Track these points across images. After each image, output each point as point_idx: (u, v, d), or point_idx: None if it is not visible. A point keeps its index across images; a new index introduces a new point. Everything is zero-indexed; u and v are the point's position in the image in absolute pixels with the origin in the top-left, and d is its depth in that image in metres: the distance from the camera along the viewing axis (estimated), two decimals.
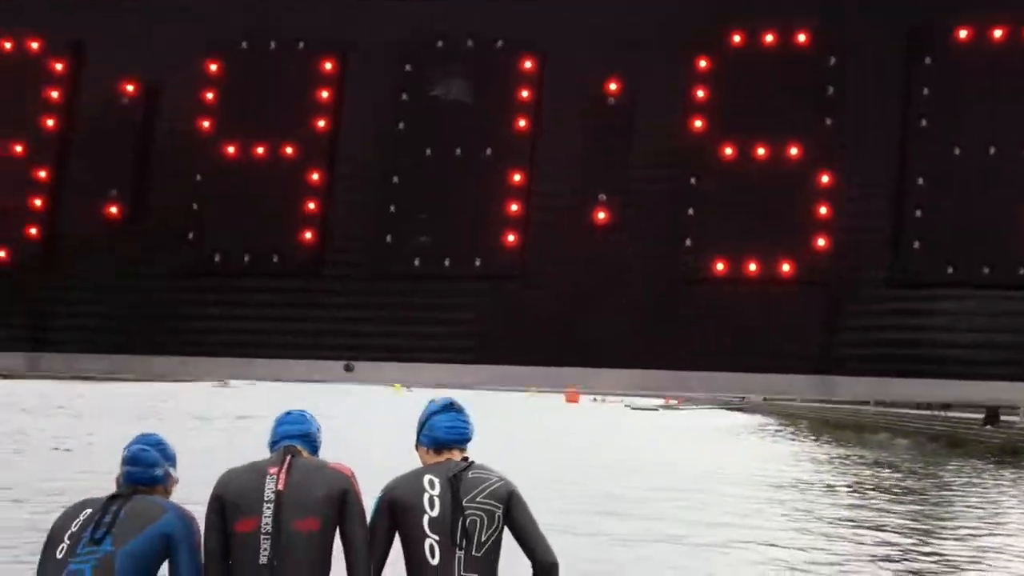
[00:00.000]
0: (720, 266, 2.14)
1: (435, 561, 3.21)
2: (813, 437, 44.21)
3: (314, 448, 3.55)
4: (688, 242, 2.16)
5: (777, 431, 50.72)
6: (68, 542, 3.03)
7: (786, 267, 2.11)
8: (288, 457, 3.34)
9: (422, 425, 3.58)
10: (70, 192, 2.42)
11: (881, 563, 11.95)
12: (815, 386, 2.15)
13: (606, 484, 19.36)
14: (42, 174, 2.41)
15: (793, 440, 41.05)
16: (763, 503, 17.90)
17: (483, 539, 3.26)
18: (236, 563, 3.24)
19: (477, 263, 2.25)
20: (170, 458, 3.47)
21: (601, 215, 2.19)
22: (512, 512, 3.34)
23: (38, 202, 2.40)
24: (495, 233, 2.23)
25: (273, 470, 3.29)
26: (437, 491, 3.31)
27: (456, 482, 3.32)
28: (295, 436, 3.46)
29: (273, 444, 3.51)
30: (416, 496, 3.32)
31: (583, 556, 12.11)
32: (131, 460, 3.32)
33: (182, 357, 2.39)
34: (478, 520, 3.27)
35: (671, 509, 16.07)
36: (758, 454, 32.64)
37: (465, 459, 3.49)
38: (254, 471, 3.36)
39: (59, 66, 2.43)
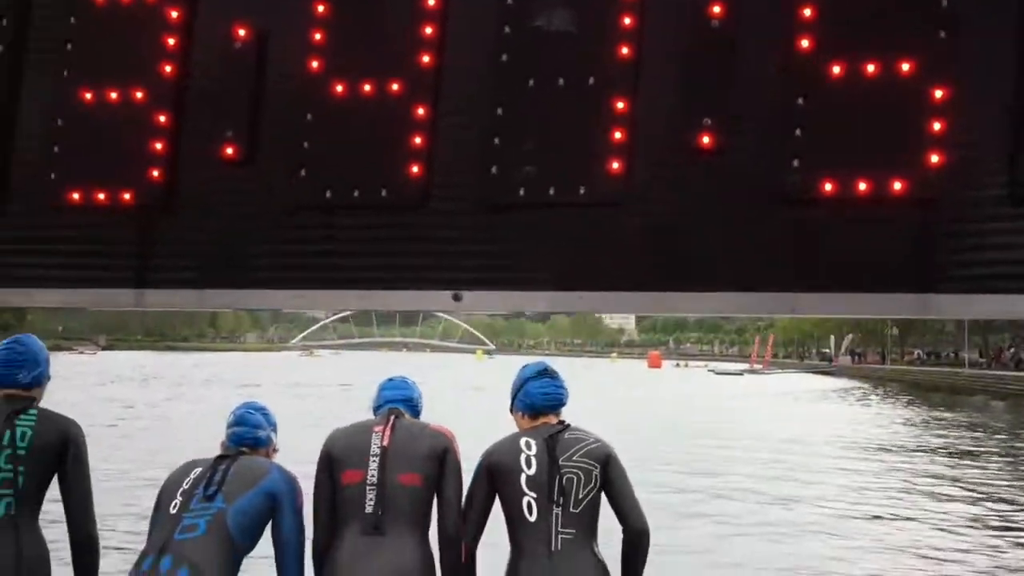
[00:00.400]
0: (828, 186, 2.11)
1: (533, 518, 3.25)
2: (905, 400, 43.10)
3: (416, 412, 3.68)
4: (795, 163, 2.13)
5: (867, 394, 49.48)
6: (181, 498, 3.16)
7: (898, 185, 2.07)
8: (392, 418, 3.46)
9: (516, 391, 3.64)
10: (188, 135, 2.52)
11: (987, 529, 11.63)
12: (927, 305, 2.11)
13: (692, 445, 19.31)
14: (162, 119, 2.52)
15: (885, 403, 40.01)
16: (855, 464, 17.60)
17: (580, 496, 3.27)
18: (343, 514, 3.36)
19: (581, 191, 2.27)
20: (272, 424, 3.61)
21: (706, 139, 2.19)
22: (609, 474, 3.35)
23: (159, 146, 2.51)
24: (599, 161, 2.24)
25: (378, 428, 3.41)
26: (534, 451, 3.35)
27: (552, 442, 3.36)
28: (398, 400, 3.57)
29: (377, 408, 3.64)
30: (513, 457, 3.37)
31: (676, 511, 12.14)
32: (238, 421, 3.47)
33: (298, 290, 2.48)
34: (575, 478, 3.29)
35: (756, 470, 15.94)
36: (849, 417, 32.02)
37: (561, 423, 3.52)
38: (360, 429, 3.49)
39: (175, 14, 2.53)
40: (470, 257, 2.37)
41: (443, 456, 3.40)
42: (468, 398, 38.49)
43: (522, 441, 3.41)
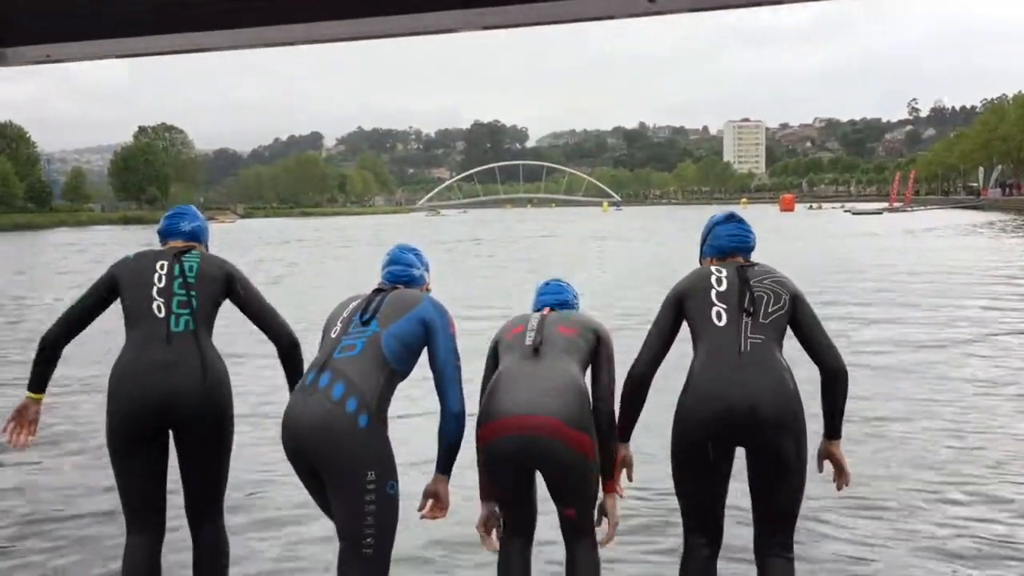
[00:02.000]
0: None
1: (722, 324, 3.23)
2: None
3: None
4: None
5: (1013, 227, 46.65)
6: (340, 325, 3.35)
7: None
8: (546, 311, 3.66)
9: (705, 237, 3.64)
10: None
11: None
12: None
13: (827, 279, 18.73)
14: None
15: None
16: (996, 289, 16.71)
17: (770, 310, 3.23)
18: (505, 360, 3.48)
19: None
20: (425, 264, 3.75)
21: None
22: (799, 311, 3.28)
23: None
24: None
25: (536, 316, 3.62)
26: (725, 274, 3.36)
27: (743, 270, 3.36)
28: (554, 305, 3.70)
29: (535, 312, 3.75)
30: (704, 281, 3.38)
31: None
32: (392, 261, 3.63)
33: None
34: (764, 296, 3.26)
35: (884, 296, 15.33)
36: (989, 248, 30.32)
37: (749, 262, 3.51)
38: (520, 318, 3.67)
39: None
40: None
41: (598, 336, 3.51)
42: (593, 248, 38.51)
43: (713, 268, 3.42)
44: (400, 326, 3.30)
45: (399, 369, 3.29)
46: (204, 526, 3.57)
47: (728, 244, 3.53)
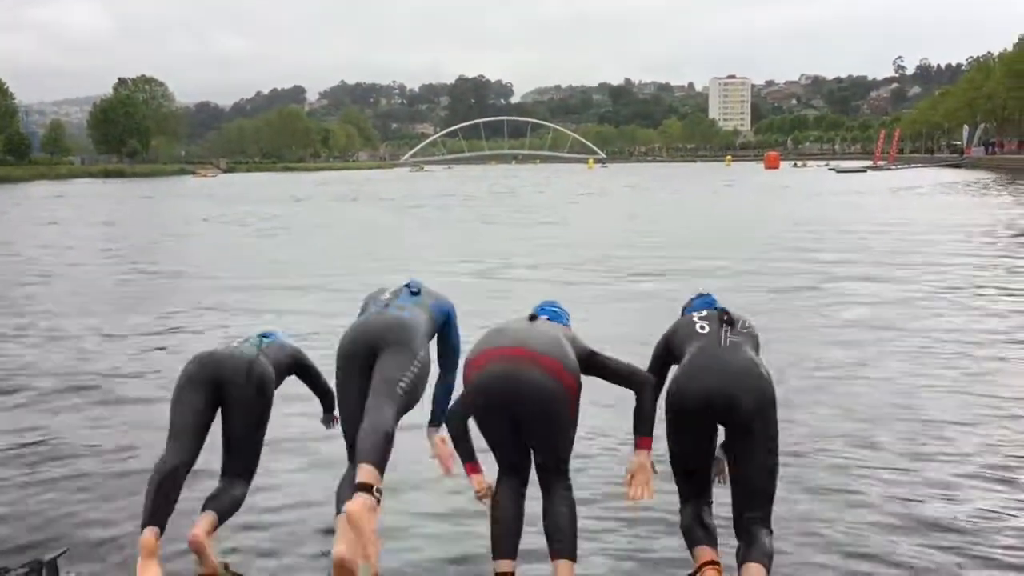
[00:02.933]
0: None
1: (705, 331, 3.64)
2: None
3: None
4: None
5: (1000, 185, 46.89)
6: (388, 296, 4.08)
7: None
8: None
9: (684, 309, 4.14)
10: None
11: None
12: None
13: (800, 234, 18.87)
14: None
15: (1015, 194, 37.87)
16: (971, 245, 16.87)
17: (745, 327, 3.71)
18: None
19: None
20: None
21: None
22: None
23: None
24: None
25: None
26: (705, 314, 3.81)
27: (723, 311, 3.78)
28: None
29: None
30: (689, 321, 3.82)
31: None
32: (407, 284, 4.19)
33: None
34: (741, 319, 3.75)
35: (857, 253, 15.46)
36: (964, 206, 30.52)
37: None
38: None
39: None
40: None
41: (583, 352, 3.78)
42: (582, 203, 38.48)
43: (695, 316, 3.83)
44: (434, 305, 4.10)
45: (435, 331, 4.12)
46: None
47: (704, 305, 3.99)
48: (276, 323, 9.52)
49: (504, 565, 3.45)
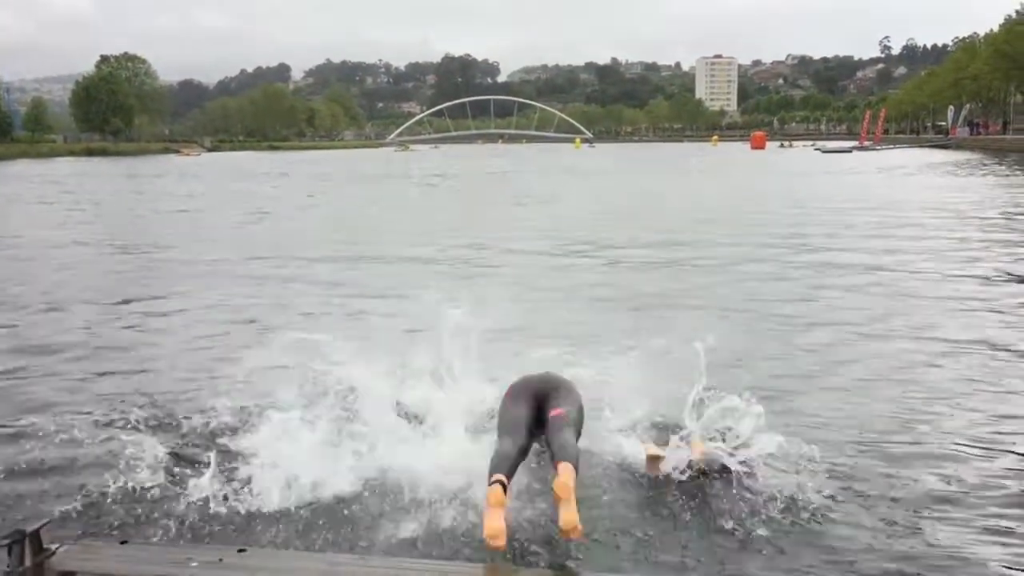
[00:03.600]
0: None
1: None
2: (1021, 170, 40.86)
3: None
4: None
5: (985, 165, 47.10)
6: None
7: None
8: None
9: None
10: None
11: None
12: None
13: (793, 218, 18.94)
14: None
15: (997, 175, 38.02)
16: (955, 227, 16.96)
17: None
18: None
19: None
20: None
21: None
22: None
23: None
24: None
25: None
26: None
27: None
28: None
29: None
30: None
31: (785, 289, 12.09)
32: None
33: None
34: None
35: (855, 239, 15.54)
36: (948, 186, 30.63)
37: None
38: None
39: None
40: None
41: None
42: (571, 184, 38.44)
43: None
44: None
45: None
46: None
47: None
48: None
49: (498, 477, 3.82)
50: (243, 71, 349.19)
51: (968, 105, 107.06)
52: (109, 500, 4.35)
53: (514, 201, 27.34)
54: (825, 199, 25.17)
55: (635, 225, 18.61)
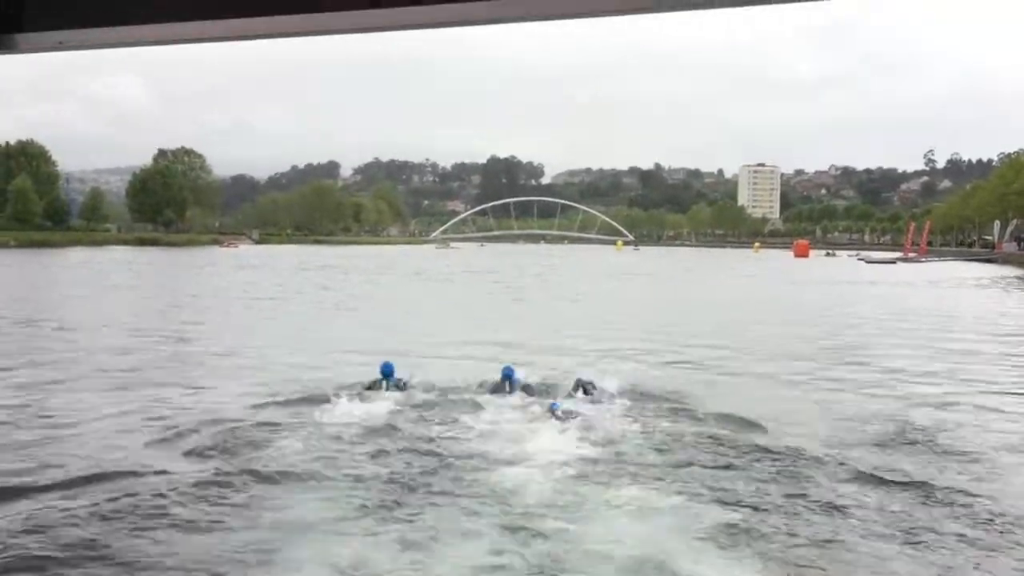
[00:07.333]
0: None
1: None
2: None
3: None
4: None
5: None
6: None
7: None
8: None
9: None
10: None
11: None
12: None
13: (836, 332, 18.62)
14: None
15: None
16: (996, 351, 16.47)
17: None
18: None
19: None
20: None
21: None
22: None
23: None
24: None
25: None
26: None
27: None
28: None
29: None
30: None
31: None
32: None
33: None
34: None
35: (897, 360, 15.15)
36: (997, 304, 29.99)
37: None
38: None
39: None
40: None
41: None
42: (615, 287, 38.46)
43: None
44: None
45: None
46: None
47: None
48: None
49: None
50: (294, 167, 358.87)
51: (1015, 220, 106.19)
52: None
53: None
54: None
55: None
